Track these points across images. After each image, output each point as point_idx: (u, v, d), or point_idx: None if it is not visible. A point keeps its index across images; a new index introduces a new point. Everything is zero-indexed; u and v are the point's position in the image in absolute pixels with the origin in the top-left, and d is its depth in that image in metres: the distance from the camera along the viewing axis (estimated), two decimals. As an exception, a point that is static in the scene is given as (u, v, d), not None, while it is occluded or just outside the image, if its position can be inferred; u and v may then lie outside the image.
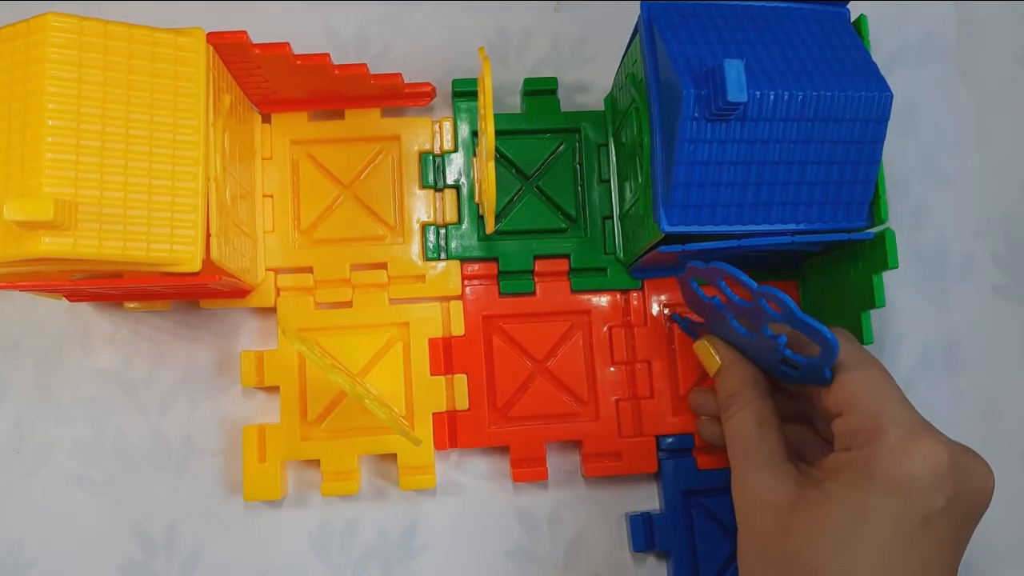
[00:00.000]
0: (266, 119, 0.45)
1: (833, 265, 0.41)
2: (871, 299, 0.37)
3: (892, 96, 0.35)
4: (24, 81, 0.32)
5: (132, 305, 0.43)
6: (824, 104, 0.34)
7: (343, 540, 0.43)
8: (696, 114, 0.34)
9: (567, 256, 0.44)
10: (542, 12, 0.48)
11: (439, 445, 0.42)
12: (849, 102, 0.35)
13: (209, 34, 0.36)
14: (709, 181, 0.35)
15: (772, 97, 0.34)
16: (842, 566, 0.31)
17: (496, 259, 0.44)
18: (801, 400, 0.39)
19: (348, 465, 0.42)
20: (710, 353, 0.39)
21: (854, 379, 0.33)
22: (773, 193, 0.36)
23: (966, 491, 0.32)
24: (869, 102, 0.35)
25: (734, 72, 0.32)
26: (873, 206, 0.37)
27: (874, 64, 0.36)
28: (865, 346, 0.38)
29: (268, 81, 0.41)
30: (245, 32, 0.37)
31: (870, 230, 0.37)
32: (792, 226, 0.37)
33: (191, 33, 0.35)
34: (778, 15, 0.37)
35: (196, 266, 0.34)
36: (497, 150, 0.44)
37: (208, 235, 0.35)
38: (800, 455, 0.37)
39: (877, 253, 0.37)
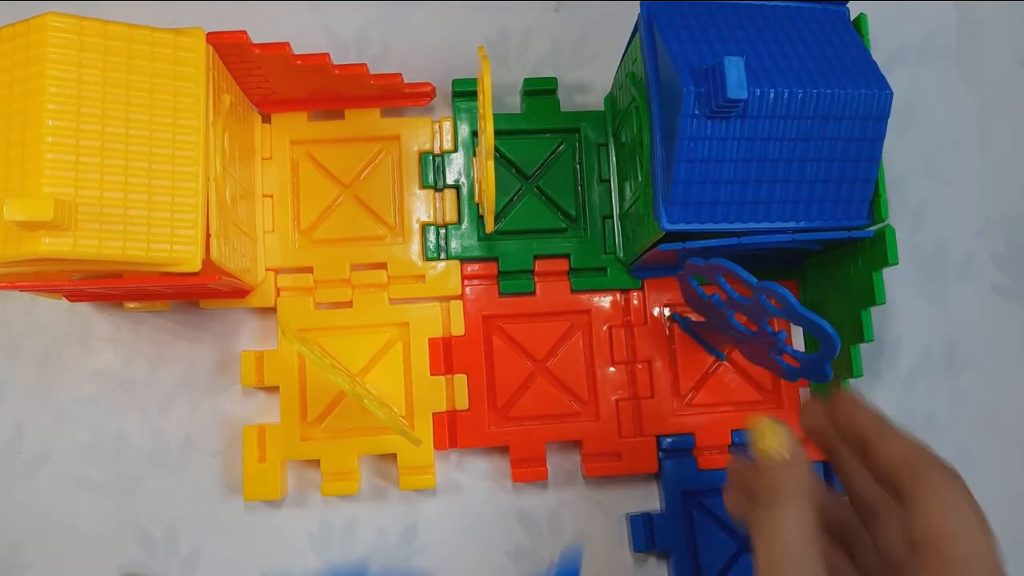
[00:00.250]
0: (266, 119, 0.45)
1: (833, 264, 0.41)
2: (871, 296, 0.37)
3: (892, 94, 0.35)
4: (24, 81, 0.32)
5: (132, 305, 0.43)
6: (824, 101, 0.34)
7: (343, 540, 0.43)
8: (696, 111, 0.34)
9: (567, 256, 0.44)
10: (542, 12, 0.48)
11: (439, 445, 0.42)
12: (849, 99, 0.35)
13: (209, 34, 0.36)
14: (709, 179, 0.35)
15: (772, 95, 0.34)
16: None
17: (496, 259, 0.44)
18: (846, 515, 0.33)
19: (348, 465, 0.42)
20: (778, 437, 0.30)
21: (954, 525, 0.27)
22: (773, 191, 0.36)
23: None
24: (869, 100, 0.35)
25: (734, 69, 0.32)
26: (873, 204, 0.37)
27: (874, 62, 0.36)
28: (865, 344, 0.38)
29: (268, 81, 0.41)
30: (245, 32, 0.37)
31: (870, 228, 0.37)
32: (792, 224, 0.37)
33: (191, 33, 0.35)
34: (777, 14, 0.37)
35: (196, 266, 0.34)
36: (497, 150, 0.44)
37: (208, 235, 0.35)
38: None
39: (877, 250, 0.37)
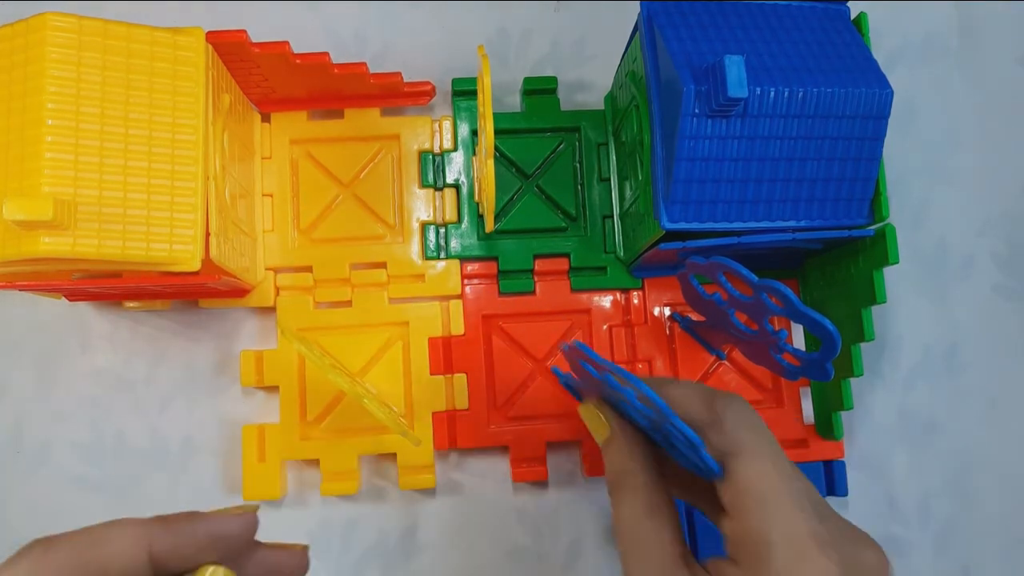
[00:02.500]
0: (266, 118, 0.45)
1: (834, 263, 0.41)
2: (872, 296, 0.37)
3: (892, 92, 0.35)
4: (23, 81, 0.32)
5: (131, 304, 0.43)
6: (824, 100, 0.34)
7: (343, 540, 0.43)
8: (697, 110, 0.34)
9: (567, 255, 0.44)
10: (542, 12, 0.48)
11: (439, 445, 0.42)
12: (849, 98, 0.35)
13: (208, 33, 0.36)
14: (710, 177, 0.35)
15: (772, 93, 0.34)
16: None
17: (496, 258, 0.44)
18: (692, 485, 0.34)
19: (348, 465, 0.42)
20: (598, 417, 0.33)
21: (746, 474, 0.28)
22: (774, 190, 0.36)
23: None
24: (869, 98, 0.35)
25: (735, 68, 0.32)
26: (874, 203, 0.37)
27: (874, 61, 0.36)
28: (865, 343, 0.38)
29: (268, 80, 0.41)
30: (244, 31, 0.37)
31: (871, 227, 0.37)
32: (793, 223, 0.37)
33: (190, 32, 0.35)
34: (778, 12, 0.37)
35: (195, 265, 0.34)
36: (497, 149, 0.44)
37: (207, 234, 0.35)
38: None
39: (878, 249, 0.37)
